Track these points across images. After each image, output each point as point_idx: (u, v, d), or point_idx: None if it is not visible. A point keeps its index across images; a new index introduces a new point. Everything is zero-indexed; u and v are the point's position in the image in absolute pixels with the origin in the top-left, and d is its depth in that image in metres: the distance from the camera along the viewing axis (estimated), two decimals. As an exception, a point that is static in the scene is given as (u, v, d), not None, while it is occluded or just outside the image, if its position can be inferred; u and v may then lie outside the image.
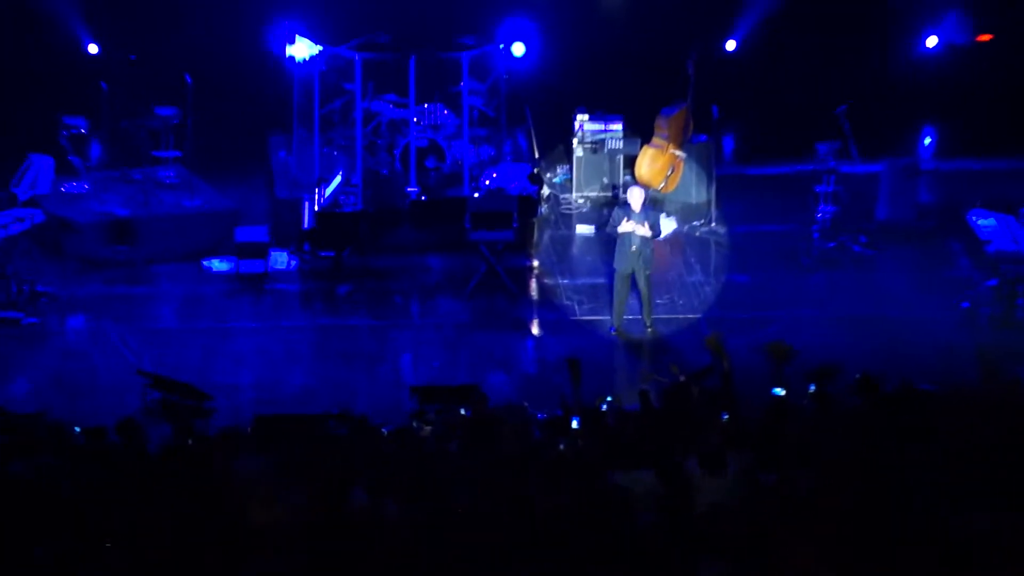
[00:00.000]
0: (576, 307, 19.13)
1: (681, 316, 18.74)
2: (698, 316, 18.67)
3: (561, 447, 11.97)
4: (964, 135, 24.15)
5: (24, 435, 12.21)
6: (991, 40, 25.65)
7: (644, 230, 17.85)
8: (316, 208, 20.09)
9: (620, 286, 18.12)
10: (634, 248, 17.88)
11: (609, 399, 14.15)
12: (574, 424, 12.50)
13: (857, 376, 13.03)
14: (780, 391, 12.78)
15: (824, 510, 9.04)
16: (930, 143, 25.01)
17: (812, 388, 12.69)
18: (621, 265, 18.01)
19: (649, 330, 18.23)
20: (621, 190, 21.64)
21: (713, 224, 21.38)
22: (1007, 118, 23.86)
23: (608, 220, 18.44)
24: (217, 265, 20.21)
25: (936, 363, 16.05)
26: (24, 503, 9.88)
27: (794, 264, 20.23)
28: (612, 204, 21.24)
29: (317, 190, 20.35)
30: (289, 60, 21.68)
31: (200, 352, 18.01)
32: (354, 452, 11.47)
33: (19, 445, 11.75)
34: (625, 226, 17.87)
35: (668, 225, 21.34)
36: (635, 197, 18.07)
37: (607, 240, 19.02)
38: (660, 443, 11.83)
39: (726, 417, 12.07)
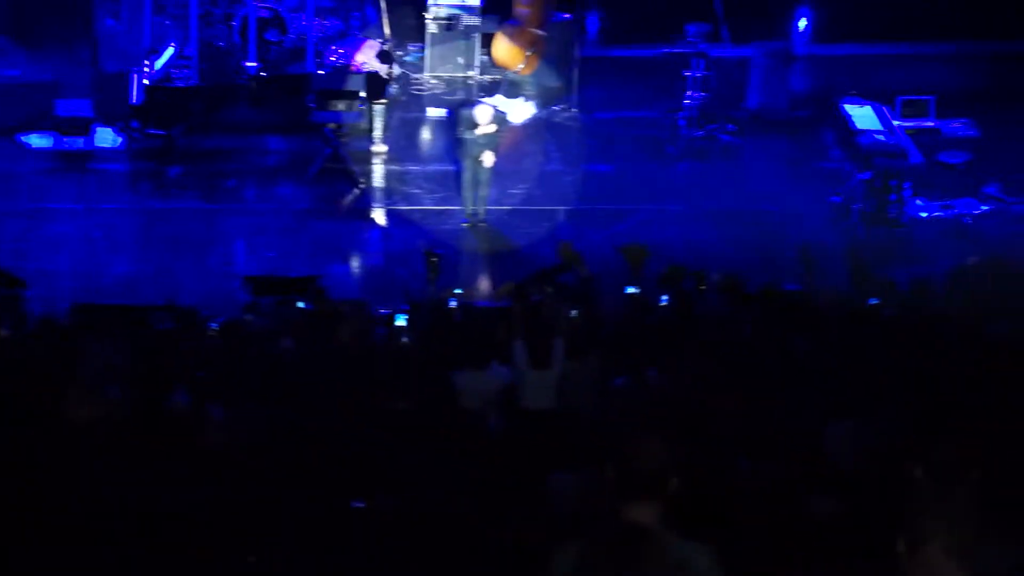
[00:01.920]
0: (425, 195, 18.99)
1: (538, 207, 18.66)
2: (556, 207, 18.60)
3: (404, 344, 11.89)
4: (840, 18, 24.21)
5: None
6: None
7: (489, 158, 17.75)
8: (146, 82, 19.68)
9: (468, 174, 18.01)
10: (478, 148, 17.81)
11: (458, 292, 14.11)
12: (399, 321, 12.39)
13: (717, 276, 13.10)
14: (634, 290, 12.82)
15: (676, 412, 9.06)
16: (805, 26, 25.04)
17: (664, 298, 12.71)
18: (464, 155, 17.92)
19: (482, 224, 18.12)
20: (476, 77, 21.52)
21: (574, 109, 21.29)
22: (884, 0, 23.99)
23: (458, 118, 18.27)
24: (35, 141, 19.74)
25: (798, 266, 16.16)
26: None
27: (659, 154, 20.24)
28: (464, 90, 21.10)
29: (147, 62, 19.92)
30: (117, -82, 21.12)
31: (14, 235, 17.64)
32: (178, 347, 11.28)
33: None
34: (470, 136, 17.74)
35: (526, 110, 21.26)
36: (483, 116, 17.85)
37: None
38: (509, 339, 11.81)
39: (576, 314, 12.05)
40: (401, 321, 12.52)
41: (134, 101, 19.72)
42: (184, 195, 18.92)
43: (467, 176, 18.03)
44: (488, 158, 17.79)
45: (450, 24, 22.18)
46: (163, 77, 20.12)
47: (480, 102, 19.01)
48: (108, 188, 19.00)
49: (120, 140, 19.79)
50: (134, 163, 19.61)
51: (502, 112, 18.37)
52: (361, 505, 8.41)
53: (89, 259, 17.27)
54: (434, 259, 14.45)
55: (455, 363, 11.03)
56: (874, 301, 12.97)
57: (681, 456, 6.87)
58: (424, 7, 22.20)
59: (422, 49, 22.52)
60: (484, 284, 16.70)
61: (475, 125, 17.72)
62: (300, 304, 13.71)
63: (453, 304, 13.41)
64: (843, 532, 7.41)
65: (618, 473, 6.30)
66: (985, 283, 13.28)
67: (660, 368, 10.47)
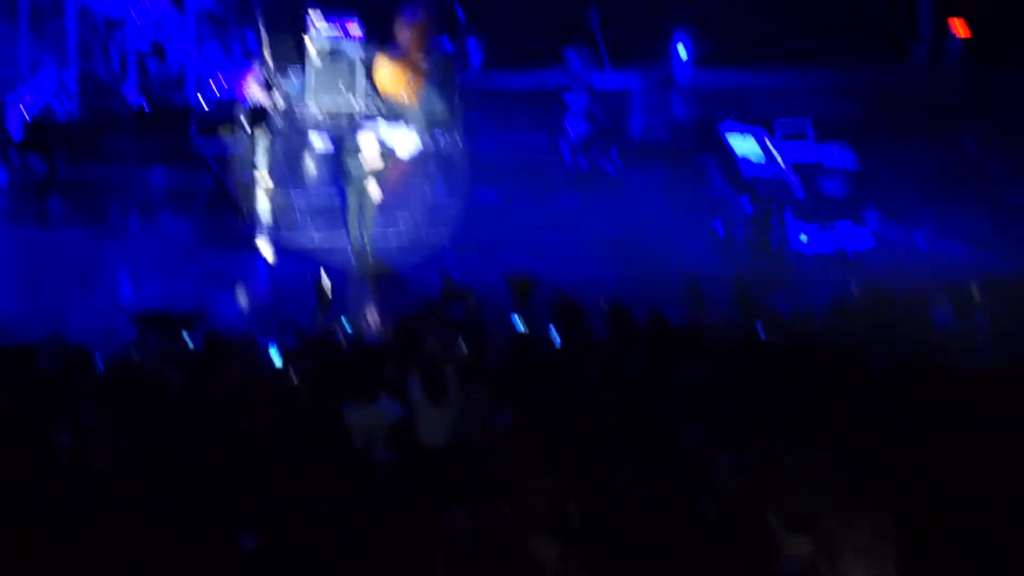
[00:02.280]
0: (310, 226, 18.99)
1: (423, 238, 18.74)
2: (441, 238, 18.69)
3: (293, 378, 11.91)
4: (720, 46, 24.54)
5: None
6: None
7: (374, 189, 17.81)
8: (24, 113, 19.53)
9: (353, 204, 18.04)
10: (363, 178, 17.86)
11: (346, 323, 14.14)
12: (273, 355, 12.42)
13: (604, 307, 13.22)
14: (519, 323, 12.93)
15: (563, 445, 9.17)
16: (685, 54, 25.35)
17: (552, 329, 12.82)
18: (349, 185, 17.97)
19: (369, 257, 18.16)
20: (359, 105, 21.58)
21: (457, 138, 21.39)
22: (765, 28, 24.34)
23: (343, 148, 18.29)
24: (-88, 174, 19.57)
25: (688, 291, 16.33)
26: None
27: (543, 183, 20.37)
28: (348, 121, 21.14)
29: (25, 93, 19.77)
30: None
31: None
32: (61, 387, 11.21)
33: None
34: (354, 166, 17.79)
35: (409, 139, 21.32)
36: (368, 145, 17.89)
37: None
38: (397, 373, 11.88)
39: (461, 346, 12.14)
40: (275, 355, 12.55)
41: (13, 133, 19.54)
42: (66, 227, 18.76)
43: (352, 206, 18.06)
44: (373, 189, 17.84)
45: (332, 53, 22.22)
46: (43, 108, 19.97)
47: (365, 130, 19.07)
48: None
49: (1, 173, 19.63)
50: (14, 195, 19.42)
51: (388, 146, 18.43)
52: (249, 544, 8.44)
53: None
54: (325, 288, 14.46)
55: (344, 396, 11.08)
56: (759, 328, 13.18)
57: (574, 489, 7.01)
58: (304, 35, 22.22)
59: (304, 78, 22.54)
60: (372, 315, 16.74)
61: (359, 152, 17.76)
62: (186, 338, 13.68)
63: (341, 336, 13.45)
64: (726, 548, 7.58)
65: (514, 507, 6.38)
66: (865, 313, 13.52)
67: (547, 401, 10.57)
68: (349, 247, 18.18)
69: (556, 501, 8.54)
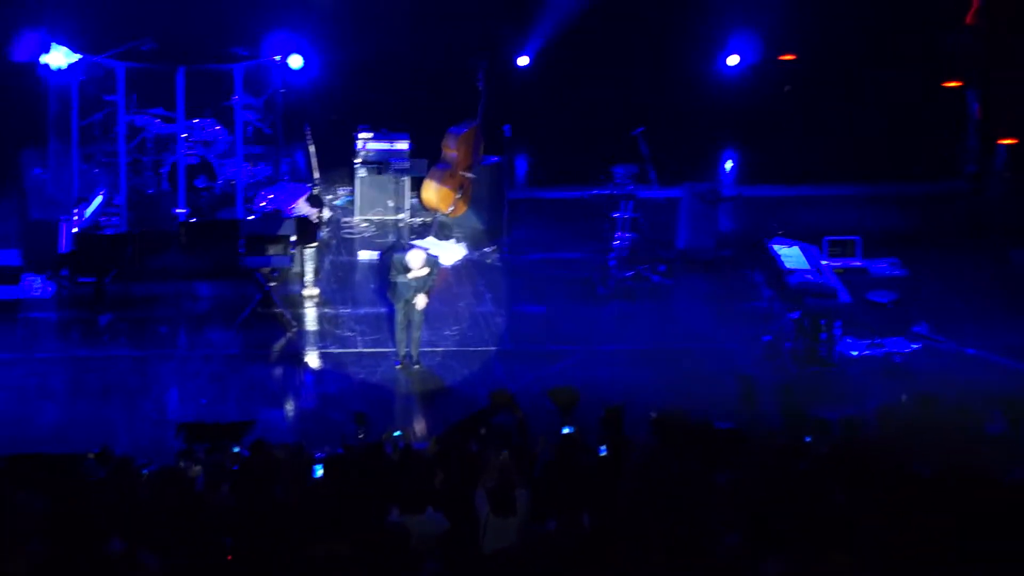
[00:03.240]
0: (358, 338, 19.13)
1: (471, 348, 18.83)
2: (488, 349, 18.77)
3: (340, 488, 11.98)
4: (766, 160, 24.72)
5: None
6: (794, 60, 26.31)
7: (422, 301, 17.94)
8: (75, 230, 19.77)
9: (401, 317, 18.15)
10: (410, 293, 17.95)
11: (397, 435, 14.21)
12: (319, 472, 12.50)
13: (652, 415, 13.27)
14: (569, 430, 12.97)
15: (611, 555, 9.20)
16: (731, 168, 25.55)
17: (603, 449, 12.86)
18: (397, 298, 18.07)
19: (416, 366, 18.25)
20: (406, 220, 21.81)
21: (504, 251, 21.55)
22: (810, 143, 24.52)
23: (391, 262, 18.40)
24: (-36, 291, 19.79)
25: (736, 400, 16.35)
26: None
27: (590, 294, 20.47)
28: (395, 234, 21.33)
29: (76, 210, 20.02)
30: (44, 69, 21.33)
31: (-56, 386, 17.63)
32: (112, 496, 11.31)
33: None
34: (402, 280, 17.90)
35: (456, 252, 21.51)
36: (416, 260, 18.00)
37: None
38: (447, 483, 11.95)
39: (507, 454, 12.21)
40: (322, 465, 12.62)
41: (63, 249, 19.76)
42: (115, 342, 18.93)
43: (400, 318, 18.18)
44: (421, 301, 17.97)
45: (379, 168, 22.49)
46: (92, 225, 20.22)
47: (413, 246, 19.21)
48: (37, 337, 19.00)
49: (49, 288, 19.85)
50: (64, 311, 19.62)
51: (434, 255, 18.58)
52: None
53: (20, 408, 17.21)
54: (362, 418, 14.64)
55: (389, 506, 11.15)
56: (808, 439, 13.19)
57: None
58: (353, 151, 22.51)
59: (352, 192, 22.81)
60: (419, 427, 16.81)
61: (408, 269, 17.89)
62: (235, 450, 13.78)
63: (389, 448, 13.53)
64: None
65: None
66: (914, 421, 13.52)
67: (593, 509, 10.61)
68: (396, 358, 18.28)
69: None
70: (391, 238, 21.99)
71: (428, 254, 18.30)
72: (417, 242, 20.95)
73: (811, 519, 9.69)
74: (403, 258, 17.95)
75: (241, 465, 12.71)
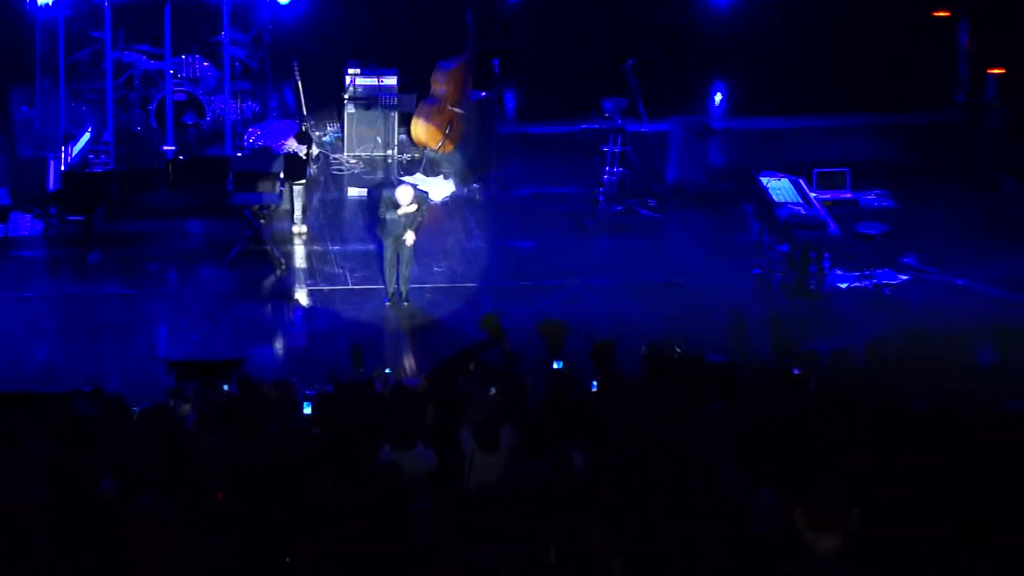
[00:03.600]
0: (347, 275, 19.10)
1: (460, 284, 18.81)
2: (478, 284, 18.75)
3: (330, 425, 11.96)
4: (757, 92, 24.64)
5: None
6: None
7: (410, 237, 17.87)
8: (63, 167, 19.70)
9: (390, 254, 18.12)
10: (399, 229, 17.91)
11: (387, 372, 14.19)
12: (306, 409, 12.47)
13: (643, 349, 13.25)
14: (559, 365, 12.95)
15: (603, 491, 9.19)
16: (721, 101, 25.46)
17: (594, 385, 12.83)
18: (386, 235, 18.02)
19: (405, 303, 18.23)
20: (395, 156, 21.75)
21: (493, 186, 21.48)
22: (800, 74, 24.43)
23: (379, 198, 18.34)
24: (-49, 230, 19.75)
25: (727, 333, 16.34)
26: None
27: (579, 229, 20.44)
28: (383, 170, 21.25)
29: (63, 148, 19.95)
30: (30, 4, 21.19)
31: (-69, 325, 17.60)
32: (103, 435, 11.30)
33: None
34: (391, 216, 17.84)
35: (445, 187, 21.45)
36: (404, 197, 17.94)
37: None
38: (436, 420, 11.93)
39: (495, 391, 12.18)
40: (312, 402, 12.61)
41: (51, 187, 19.69)
42: (104, 280, 18.89)
43: (388, 255, 18.14)
44: (410, 237, 17.93)
45: (368, 104, 22.39)
46: (80, 162, 20.14)
47: (402, 182, 19.18)
48: (27, 275, 18.97)
49: (38, 226, 19.80)
50: (53, 249, 19.59)
51: (423, 191, 18.52)
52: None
53: (8, 347, 17.19)
54: (359, 351, 14.57)
55: (380, 442, 11.13)
56: (796, 371, 13.18)
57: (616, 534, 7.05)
58: (342, 87, 22.40)
59: (340, 129, 22.72)
60: (409, 363, 16.79)
61: (396, 205, 17.84)
62: (225, 387, 13.75)
63: (379, 385, 13.51)
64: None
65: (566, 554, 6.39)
66: (903, 353, 13.50)
67: (584, 445, 10.60)
68: (386, 295, 18.25)
69: (589, 545, 8.59)
70: (380, 174, 21.93)
71: (417, 190, 18.25)
72: (406, 178, 20.89)
73: (801, 451, 9.69)
74: (392, 194, 17.90)
75: (230, 402, 12.69)
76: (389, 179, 20.54)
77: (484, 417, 11.22)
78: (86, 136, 20.70)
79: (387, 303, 18.22)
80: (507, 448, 11.01)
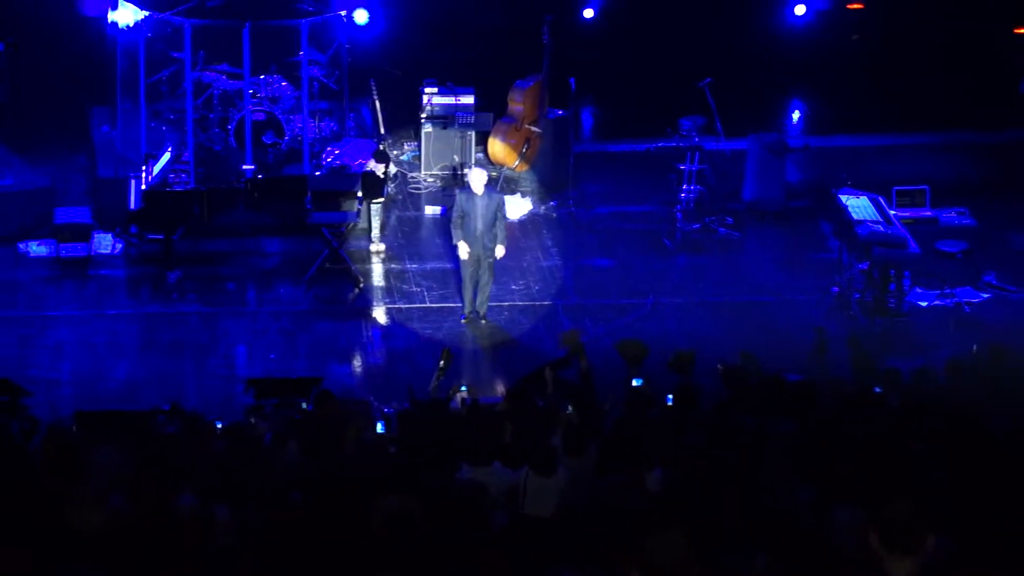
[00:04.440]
0: (424, 293, 19.12)
1: (538, 303, 18.81)
2: (555, 303, 18.72)
3: (408, 443, 11.98)
4: (834, 110, 24.53)
5: None
6: (862, 9, 26.05)
7: (500, 251, 17.90)
8: (143, 187, 19.83)
9: (469, 271, 18.13)
10: (478, 232, 17.91)
11: (463, 388, 14.17)
12: (379, 427, 12.48)
13: (720, 367, 13.19)
14: (639, 382, 12.89)
15: (678, 512, 9.14)
16: (799, 118, 25.34)
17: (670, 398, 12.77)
18: (463, 248, 18.04)
19: (483, 321, 18.24)
20: (464, 168, 21.74)
21: (570, 204, 21.46)
22: (878, 92, 24.29)
23: (453, 204, 18.40)
24: (35, 249, 19.89)
25: (806, 352, 16.24)
26: None
27: (657, 247, 20.39)
28: (456, 185, 21.26)
29: (144, 167, 20.08)
30: (112, 26, 21.36)
31: (16, 343, 17.74)
32: (184, 451, 11.36)
33: None
34: (467, 206, 17.89)
35: (522, 206, 21.45)
36: (477, 179, 18.06)
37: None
38: (515, 438, 11.92)
39: (571, 411, 12.15)
40: (390, 419, 12.61)
41: (132, 207, 19.83)
42: (184, 299, 19.01)
43: (467, 273, 18.16)
44: (499, 251, 17.96)
45: (445, 123, 22.43)
46: (161, 182, 20.27)
47: (477, 198, 19.18)
48: (108, 294, 19.10)
49: (119, 245, 19.96)
50: (133, 268, 19.72)
51: (500, 193, 18.50)
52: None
53: (91, 365, 17.33)
54: (448, 357, 14.45)
55: (458, 460, 11.13)
56: (878, 390, 13.08)
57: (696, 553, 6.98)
58: (419, 106, 22.46)
59: (417, 148, 22.76)
60: (487, 381, 16.77)
61: (469, 194, 17.89)
62: (303, 405, 13.80)
63: (456, 403, 13.51)
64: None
65: (642, 571, 6.34)
66: (985, 372, 13.38)
67: (662, 463, 10.55)
68: (463, 312, 18.27)
69: (670, 566, 8.52)
70: (456, 192, 21.94)
71: (494, 190, 18.14)
72: (482, 195, 20.91)
73: (880, 472, 9.60)
74: (468, 210, 17.89)
75: (307, 420, 12.73)
76: (465, 195, 20.55)
77: (563, 437, 11.16)
78: (166, 156, 20.80)
79: (463, 320, 18.23)
80: (587, 468, 10.97)
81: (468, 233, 17.97)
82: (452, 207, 18.32)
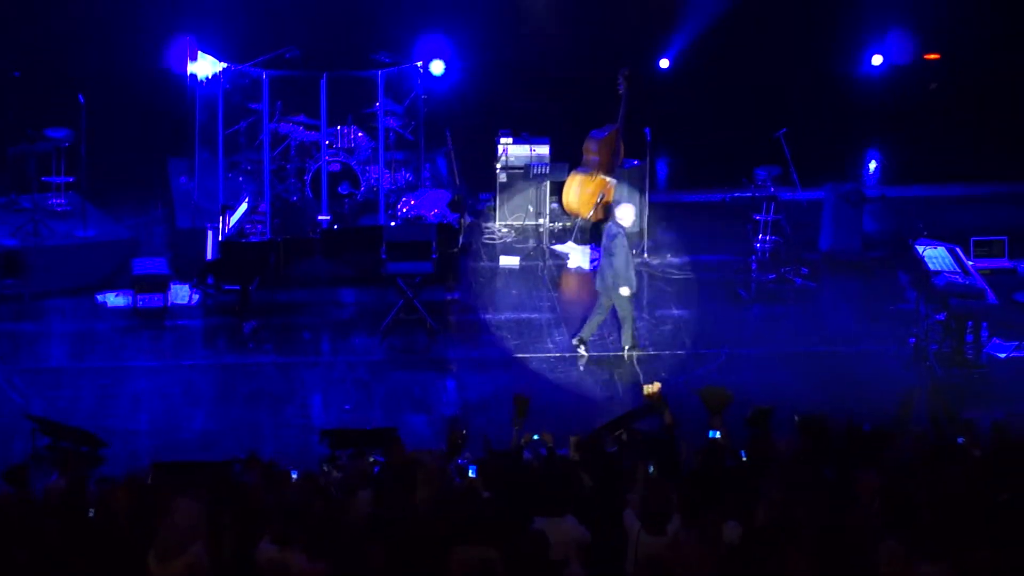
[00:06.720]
0: (500, 344, 19.13)
1: (612, 353, 18.77)
2: (631, 352, 18.68)
3: (484, 493, 11.94)
4: (911, 160, 24.43)
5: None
6: (938, 59, 25.97)
7: (626, 290, 17.99)
8: (220, 238, 19.96)
9: (624, 305, 18.32)
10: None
11: (536, 438, 14.10)
12: (470, 473, 12.45)
13: (797, 418, 13.09)
14: (716, 434, 12.79)
15: (760, 564, 9.09)
16: (875, 168, 25.25)
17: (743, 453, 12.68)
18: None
19: (625, 355, 18.35)
20: (547, 225, 21.81)
21: (646, 255, 21.44)
22: (955, 141, 24.17)
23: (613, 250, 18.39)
24: (113, 299, 20.08)
25: (883, 403, 16.15)
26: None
27: (732, 297, 20.34)
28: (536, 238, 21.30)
29: (221, 218, 20.21)
30: (190, 78, 21.57)
31: (94, 394, 17.85)
32: (261, 500, 11.40)
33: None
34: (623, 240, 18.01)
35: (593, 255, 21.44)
36: (627, 213, 18.22)
37: (532, 272, 19.03)
38: (590, 491, 11.86)
39: (652, 468, 12.08)
40: (465, 470, 12.59)
41: (209, 257, 19.96)
42: (260, 349, 19.10)
43: (605, 305, 18.45)
44: (626, 290, 18.05)
45: (520, 173, 22.49)
46: (237, 232, 20.40)
47: (553, 248, 19.19)
48: (185, 344, 19.23)
49: (196, 296, 20.10)
50: (210, 319, 19.85)
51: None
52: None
53: (168, 415, 17.42)
54: (523, 402, 14.36)
55: (533, 511, 11.09)
56: (960, 441, 12.96)
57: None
58: (494, 156, 22.53)
59: (493, 198, 22.83)
60: (562, 432, 16.71)
61: (620, 229, 18.06)
62: (377, 456, 13.79)
63: (530, 453, 13.44)
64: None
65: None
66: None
67: (737, 515, 10.48)
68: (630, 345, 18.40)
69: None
70: (532, 243, 21.96)
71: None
72: (558, 246, 20.99)
73: (964, 524, 9.50)
74: (614, 224, 18.01)
75: (381, 470, 12.74)
76: (542, 245, 20.44)
77: (647, 495, 11.04)
78: (243, 206, 20.93)
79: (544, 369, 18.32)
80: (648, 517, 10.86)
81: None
82: (612, 253, 18.24)
